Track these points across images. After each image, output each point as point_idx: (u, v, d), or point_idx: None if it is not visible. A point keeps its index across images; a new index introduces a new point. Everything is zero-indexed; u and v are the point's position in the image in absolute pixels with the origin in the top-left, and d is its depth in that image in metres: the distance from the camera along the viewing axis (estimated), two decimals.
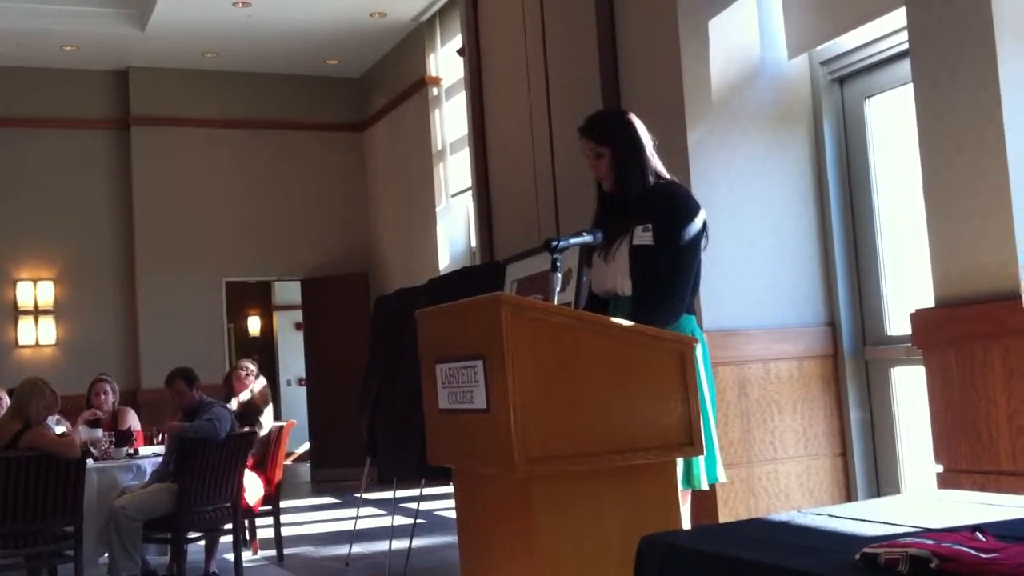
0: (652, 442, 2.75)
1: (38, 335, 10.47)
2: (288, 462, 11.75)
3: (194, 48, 10.35)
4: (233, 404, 6.68)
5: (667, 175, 3.39)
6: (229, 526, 5.86)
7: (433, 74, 10.01)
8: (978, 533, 1.64)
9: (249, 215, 11.09)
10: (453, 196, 9.78)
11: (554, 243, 3.11)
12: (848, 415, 4.50)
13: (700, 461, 3.08)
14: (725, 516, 4.22)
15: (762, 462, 4.37)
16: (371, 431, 6.12)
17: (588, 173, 3.46)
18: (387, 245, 11.17)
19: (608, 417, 2.72)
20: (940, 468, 3.43)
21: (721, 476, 3.24)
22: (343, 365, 10.21)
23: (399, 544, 5.99)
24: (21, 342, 10.44)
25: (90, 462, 5.62)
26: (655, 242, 3.22)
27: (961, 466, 3.32)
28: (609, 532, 2.70)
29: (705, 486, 3.14)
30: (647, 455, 2.74)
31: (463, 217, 9.59)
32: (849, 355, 4.52)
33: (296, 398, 13.94)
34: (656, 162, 3.36)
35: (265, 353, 14.93)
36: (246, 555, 6.24)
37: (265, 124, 11.23)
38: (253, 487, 6.30)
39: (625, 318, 2.95)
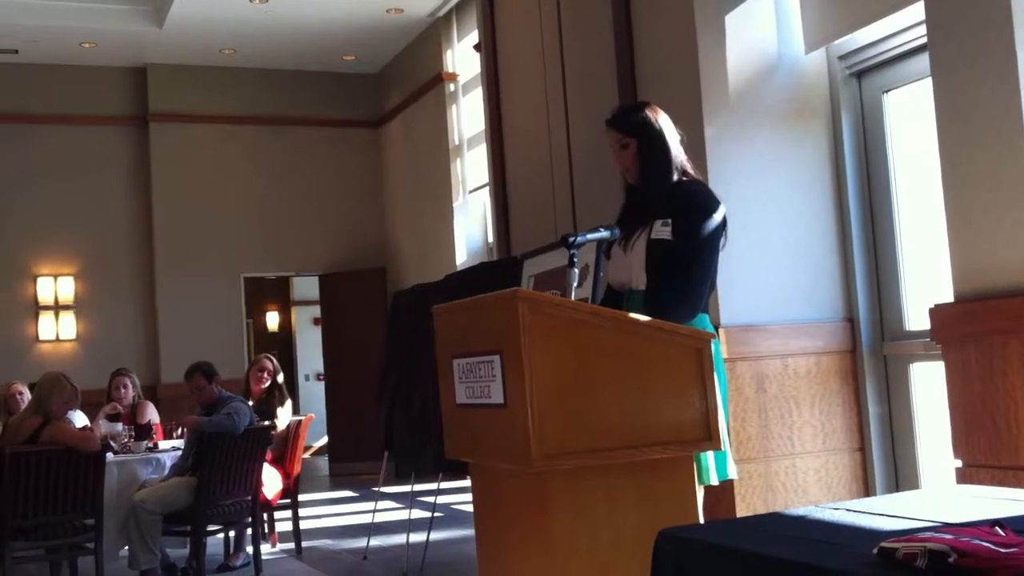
0: (669, 437, 2.75)
1: (58, 330, 10.55)
2: (306, 456, 11.79)
3: (211, 45, 10.39)
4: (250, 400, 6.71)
5: (693, 172, 3.38)
6: (248, 519, 5.90)
7: (450, 70, 10.02)
8: (997, 528, 1.63)
9: (267, 211, 11.14)
10: (470, 192, 9.79)
11: (571, 239, 3.11)
12: (866, 410, 4.49)
13: (710, 457, 3.07)
14: (743, 510, 4.21)
15: (780, 457, 4.36)
16: (388, 426, 6.14)
17: (605, 168, 3.46)
18: (404, 241, 11.19)
19: (624, 412, 2.72)
20: (959, 463, 3.42)
21: (732, 472, 3.22)
22: (361, 360, 10.24)
23: (417, 537, 6.01)
24: (42, 337, 10.52)
25: (110, 456, 5.66)
26: (674, 238, 3.21)
27: (980, 461, 3.31)
28: (625, 526, 2.70)
29: (715, 481, 3.13)
30: (664, 450, 2.74)
31: (480, 213, 9.60)
32: (867, 350, 4.50)
33: (314, 393, 13.99)
34: (682, 158, 3.36)
35: (283, 348, 14.99)
36: (265, 548, 6.27)
37: (282, 120, 11.27)
38: (271, 481, 6.33)
39: (640, 313, 2.95)
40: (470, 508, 3.46)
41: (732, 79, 4.49)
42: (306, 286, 14.08)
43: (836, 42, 4.52)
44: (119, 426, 6.37)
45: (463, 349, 2.96)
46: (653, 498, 2.75)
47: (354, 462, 10.65)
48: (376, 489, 7.01)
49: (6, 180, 10.40)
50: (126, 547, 5.73)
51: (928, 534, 1.60)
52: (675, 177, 3.32)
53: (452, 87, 10.05)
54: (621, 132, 3.34)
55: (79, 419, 6.40)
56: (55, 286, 10.57)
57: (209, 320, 10.66)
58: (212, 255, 10.85)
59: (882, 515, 2.00)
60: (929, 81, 3.61)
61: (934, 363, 3.96)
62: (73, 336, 10.59)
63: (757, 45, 4.55)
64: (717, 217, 3.27)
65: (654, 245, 3.22)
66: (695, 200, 3.28)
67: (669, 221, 3.22)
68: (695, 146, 4.33)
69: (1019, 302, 3.20)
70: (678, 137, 3.36)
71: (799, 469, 4.39)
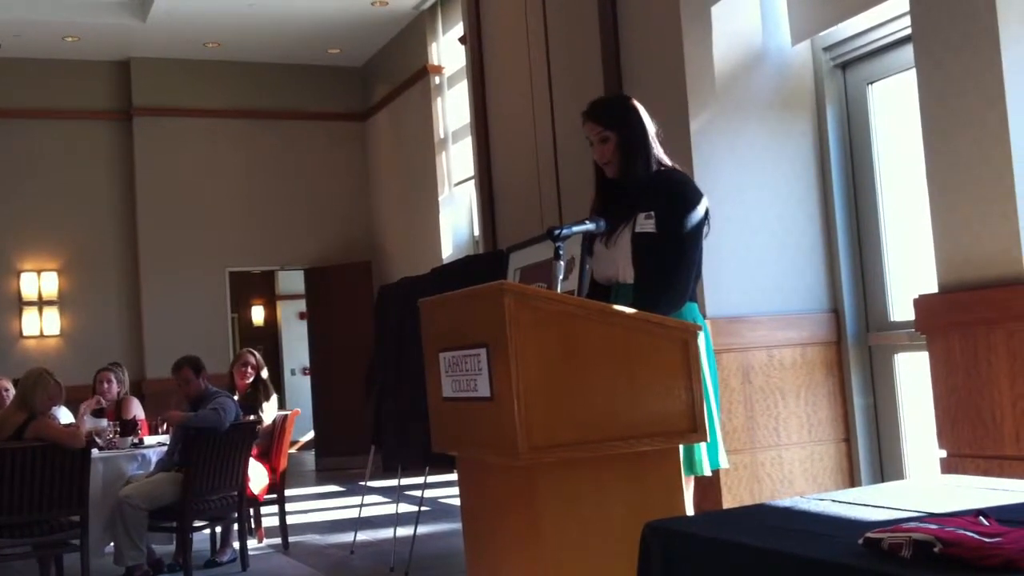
0: (656, 429, 2.75)
1: (42, 326, 10.50)
2: (293, 451, 11.78)
3: (195, 38, 10.34)
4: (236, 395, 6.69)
5: (668, 162, 3.38)
6: (235, 514, 5.89)
7: (435, 63, 10.00)
8: (981, 518, 1.64)
9: (252, 205, 11.10)
10: (456, 185, 9.78)
11: (557, 231, 3.10)
12: (852, 401, 4.50)
13: (702, 447, 3.08)
14: (729, 502, 4.23)
15: (766, 448, 4.37)
16: (377, 420, 6.13)
17: (591, 160, 3.46)
18: (390, 234, 11.17)
19: (612, 404, 2.72)
20: (943, 453, 3.44)
21: (723, 462, 3.24)
22: (347, 354, 10.23)
23: (404, 532, 6.01)
24: (26, 333, 10.46)
25: (95, 452, 5.64)
26: (658, 230, 3.21)
27: (965, 451, 3.33)
28: (613, 518, 2.70)
29: (708, 472, 3.15)
30: (651, 442, 2.75)
31: (466, 206, 9.59)
32: (852, 341, 4.52)
33: (300, 387, 13.97)
34: (658, 149, 3.36)
35: (269, 343, 14.95)
36: (251, 543, 6.26)
37: (267, 114, 11.23)
38: (258, 476, 6.32)
39: (628, 306, 2.95)
40: (457, 502, 3.46)
41: (718, 71, 4.50)
42: (291, 280, 14.05)
43: (821, 34, 4.53)
44: (104, 422, 6.34)
45: (449, 343, 2.95)
46: (641, 490, 2.75)
47: (341, 456, 10.64)
48: (363, 483, 7.00)
49: None
50: (112, 543, 5.71)
51: (913, 524, 1.60)
52: (653, 168, 3.32)
53: (437, 80, 10.03)
54: (601, 125, 3.33)
55: (64, 415, 6.36)
56: (39, 281, 10.51)
57: (194, 315, 10.62)
58: (197, 249, 10.80)
59: (867, 506, 2.01)
60: (913, 72, 3.62)
61: (919, 354, 3.97)
62: (57, 332, 10.54)
63: (743, 37, 4.55)
64: (700, 207, 3.27)
65: (639, 238, 3.23)
66: (677, 191, 3.29)
67: (652, 214, 3.23)
68: (680, 138, 4.34)
69: (1003, 292, 3.21)
70: (654, 128, 3.36)
71: (785, 460, 4.41)
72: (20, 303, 10.47)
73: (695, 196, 3.29)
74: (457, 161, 9.74)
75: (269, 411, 6.68)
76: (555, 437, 2.64)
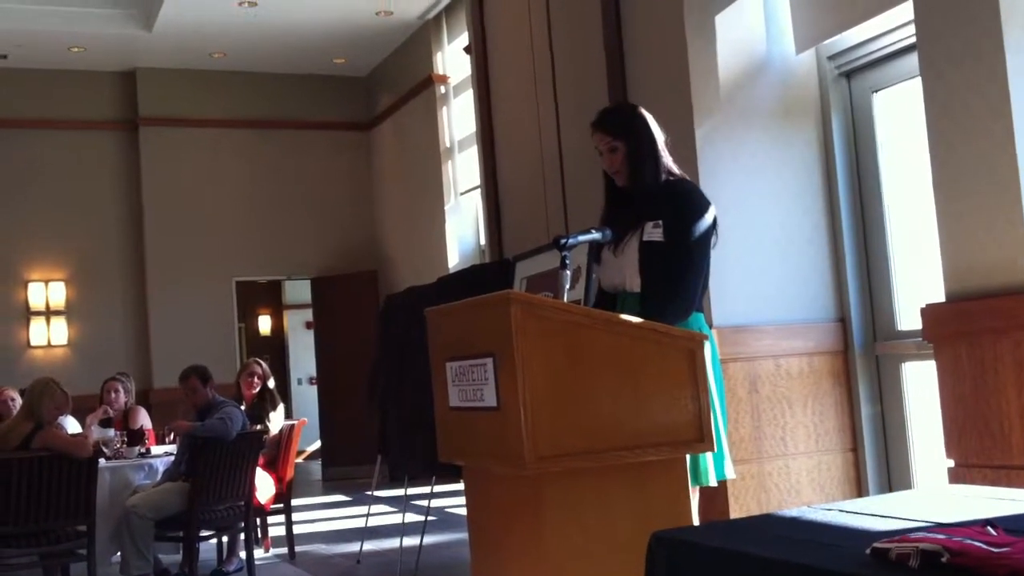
0: (662, 439, 2.75)
1: (50, 336, 10.52)
2: (299, 460, 11.78)
3: (201, 48, 10.38)
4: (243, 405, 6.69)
5: (678, 171, 3.39)
6: (241, 524, 5.89)
7: (440, 72, 10.02)
8: (989, 527, 1.64)
9: (258, 214, 11.13)
10: (462, 194, 9.79)
11: (563, 240, 3.11)
12: (859, 410, 4.49)
13: (708, 458, 3.08)
14: (736, 512, 4.22)
15: (773, 458, 4.36)
16: (382, 429, 6.13)
17: (597, 169, 3.46)
18: (396, 243, 11.19)
19: (618, 414, 2.72)
20: (951, 463, 3.43)
21: (729, 473, 3.23)
22: (353, 363, 10.22)
23: (410, 541, 6.00)
24: (33, 343, 10.49)
25: (102, 461, 5.65)
26: (665, 239, 3.22)
27: (972, 461, 3.32)
28: (619, 528, 2.70)
29: (713, 482, 3.14)
30: (657, 452, 2.74)
31: (472, 215, 9.60)
32: (860, 350, 4.51)
33: (307, 397, 13.96)
34: (667, 158, 3.36)
35: (276, 352, 14.96)
36: (258, 553, 6.26)
37: (272, 124, 11.26)
38: (264, 485, 6.32)
39: (634, 315, 2.95)
40: (463, 511, 3.45)
41: (722, 79, 4.50)
42: (298, 290, 14.07)
43: (826, 42, 4.52)
44: (111, 432, 6.35)
45: (456, 352, 2.95)
46: (646, 500, 2.75)
47: (347, 466, 10.64)
48: (369, 493, 7.00)
49: None
50: (118, 553, 5.72)
51: (921, 534, 1.60)
52: (663, 177, 3.33)
53: (443, 89, 10.05)
54: (610, 135, 3.34)
55: (71, 425, 6.37)
56: (46, 291, 10.54)
57: (201, 325, 10.64)
58: (203, 259, 10.83)
59: (875, 515, 2.01)
60: (918, 80, 3.62)
61: (926, 363, 3.96)
62: (65, 341, 10.56)
63: (747, 45, 4.55)
64: (708, 217, 3.28)
65: (647, 247, 3.23)
66: (686, 200, 3.29)
67: (660, 222, 3.23)
68: (686, 146, 4.34)
69: (1011, 301, 3.20)
70: (663, 137, 3.37)
71: (792, 470, 4.40)
72: (27, 313, 10.50)
73: (703, 205, 3.29)
74: (463, 170, 9.75)
75: (276, 421, 6.69)
76: (561, 447, 2.64)
